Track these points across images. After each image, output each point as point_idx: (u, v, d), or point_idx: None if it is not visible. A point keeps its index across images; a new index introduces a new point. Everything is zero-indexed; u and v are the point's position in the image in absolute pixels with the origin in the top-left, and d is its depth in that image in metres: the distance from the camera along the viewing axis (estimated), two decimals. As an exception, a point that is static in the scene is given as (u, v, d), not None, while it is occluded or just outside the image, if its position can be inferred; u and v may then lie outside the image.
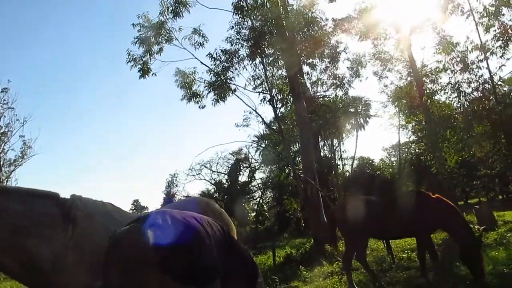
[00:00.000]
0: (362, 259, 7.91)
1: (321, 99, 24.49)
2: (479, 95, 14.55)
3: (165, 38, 15.91)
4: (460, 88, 14.65)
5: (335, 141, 30.71)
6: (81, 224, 3.17)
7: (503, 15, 14.03)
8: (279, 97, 18.01)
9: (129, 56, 15.70)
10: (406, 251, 10.34)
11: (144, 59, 15.78)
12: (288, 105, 18.90)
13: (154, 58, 15.94)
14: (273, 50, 16.73)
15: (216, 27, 47.73)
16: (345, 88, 23.17)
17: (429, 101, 15.97)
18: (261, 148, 31.40)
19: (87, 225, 3.19)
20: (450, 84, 14.99)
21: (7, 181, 22.36)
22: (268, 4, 15.27)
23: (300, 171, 17.37)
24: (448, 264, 8.27)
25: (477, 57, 14.59)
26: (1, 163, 22.59)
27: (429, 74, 17.20)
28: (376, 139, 63.83)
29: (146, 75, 15.84)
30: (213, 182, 35.33)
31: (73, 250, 3.06)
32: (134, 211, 40.31)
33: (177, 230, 2.46)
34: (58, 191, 3.31)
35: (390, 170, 33.27)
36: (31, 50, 56.59)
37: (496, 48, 13.97)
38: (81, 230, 3.15)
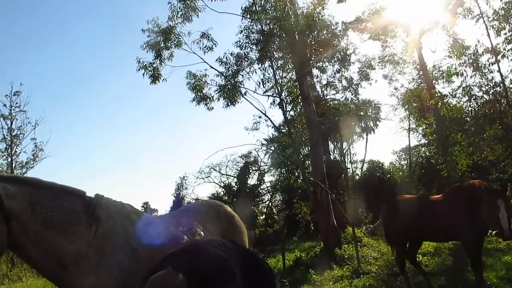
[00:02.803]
0: (413, 261, 7.78)
1: (331, 102, 24.46)
2: (491, 98, 14.43)
3: (175, 43, 16.04)
4: (471, 92, 14.53)
5: (345, 144, 30.62)
6: (104, 224, 3.23)
7: (512, 17, 13.94)
8: (289, 100, 18.05)
9: (139, 64, 15.82)
10: (417, 256, 10.27)
11: (154, 65, 15.91)
12: (297, 108, 18.91)
13: (165, 63, 16.08)
14: (282, 53, 16.78)
15: (226, 32, 47.92)
16: (355, 91, 23.16)
17: (439, 104, 15.87)
18: (271, 151, 31.41)
19: (109, 226, 3.26)
20: (461, 87, 14.87)
21: (19, 184, 22.60)
22: (277, 8, 15.33)
23: (310, 174, 17.35)
24: (460, 268, 8.22)
25: (488, 60, 14.48)
26: (14, 165, 22.88)
27: (440, 77, 17.11)
28: (386, 143, 63.39)
29: (157, 81, 15.97)
30: (222, 185, 35.39)
31: (95, 250, 3.11)
32: (144, 213, 40.44)
33: (212, 277, 2.50)
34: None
35: (400, 173, 33.04)
36: (43, 53, 57.24)
37: (508, 51, 13.85)
38: (104, 230, 3.21)
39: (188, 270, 2.38)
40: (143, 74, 15.85)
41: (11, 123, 23.11)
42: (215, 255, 2.65)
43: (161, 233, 3.48)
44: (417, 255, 9.11)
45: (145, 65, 15.84)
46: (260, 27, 16.15)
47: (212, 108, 17.06)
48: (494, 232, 7.68)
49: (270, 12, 15.61)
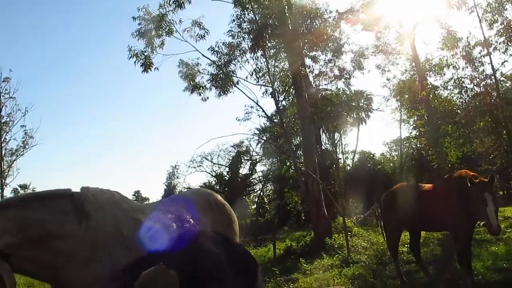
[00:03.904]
0: (415, 252, 7.75)
1: (323, 92, 24.42)
2: (481, 90, 14.52)
3: (166, 30, 15.89)
4: (463, 84, 14.61)
5: (337, 135, 30.70)
6: (94, 217, 3.21)
7: (506, 10, 13.99)
8: (281, 90, 17.99)
9: (130, 52, 15.66)
10: (405, 245, 10.38)
11: (145, 53, 15.75)
12: (289, 98, 18.86)
13: (156, 51, 15.92)
14: (275, 43, 16.69)
15: (219, 20, 47.49)
16: (346, 80, 23.09)
17: (431, 95, 15.94)
18: (263, 141, 31.43)
19: (99, 217, 3.24)
20: (452, 80, 14.95)
21: (8, 170, 22.48)
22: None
23: (301, 164, 17.39)
24: (447, 258, 8.31)
25: (479, 52, 14.55)
26: (3, 152, 22.63)
27: (433, 69, 17.14)
28: (377, 134, 63.78)
29: (149, 69, 15.82)
30: (214, 174, 35.42)
31: (87, 244, 3.10)
32: (133, 201, 40.37)
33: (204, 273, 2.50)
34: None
35: (391, 164, 33.27)
36: (33, 40, 56.43)
37: (499, 44, 13.93)
38: (94, 223, 3.19)
39: (180, 267, 2.37)
40: (135, 62, 15.73)
41: (0, 110, 22.82)
42: (209, 252, 2.64)
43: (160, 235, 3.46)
44: (406, 245, 9.19)
45: (136, 53, 15.68)
46: (252, 16, 16.03)
47: (207, 98, 17.03)
48: (482, 223, 7.64)
49: (262, 1, 15.49)
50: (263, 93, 17.27)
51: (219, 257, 2.63)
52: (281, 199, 30.24)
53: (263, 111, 19.63)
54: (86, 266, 3.07)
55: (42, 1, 59.37)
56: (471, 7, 15.19)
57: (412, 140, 28.61)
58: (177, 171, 36.70)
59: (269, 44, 16.61)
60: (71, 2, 61.84)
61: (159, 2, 15.72)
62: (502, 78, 15.23)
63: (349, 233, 12.47)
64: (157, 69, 15.92)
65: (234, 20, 16.33)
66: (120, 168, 63.13)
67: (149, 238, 3.29)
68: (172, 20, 15.88)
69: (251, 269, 2.97)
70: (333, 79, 22.30)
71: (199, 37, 16.04)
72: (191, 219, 3.80)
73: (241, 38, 16.48)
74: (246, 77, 16.69)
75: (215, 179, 35.46)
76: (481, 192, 5.65)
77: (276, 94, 16.84)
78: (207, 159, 34.71)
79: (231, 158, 35.50)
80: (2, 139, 22.70)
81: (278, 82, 17.73)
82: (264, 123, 28.04)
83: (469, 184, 5.77)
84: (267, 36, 16.01)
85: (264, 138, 30.15)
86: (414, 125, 23.12)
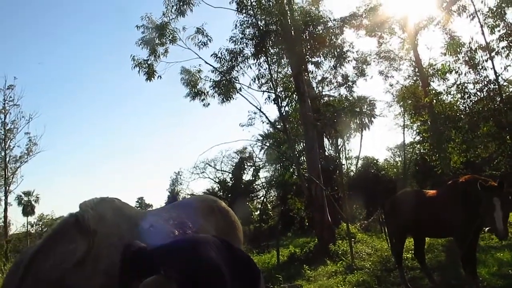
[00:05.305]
0: (419, 256, 7.71)
1: (326, 98, 24.43)
2: (484, 95, 14.49)
3: (169, 38, 16.01)
4: (466, 89, 14.59)
5: (340, 141, 30.69)
6: (98, 230, 3.24)
7: (505, 14, 14.00)
8: (284, 96, 18.01)
9: (134, 61, 15.84)
10: (410, 252, 10.34)
11: (149, 62, 15.87)
12: (292, 104, 18.86)
13: (160, 59, 16.05)
14: (278, 49, 16.74)
15: (221, 27, 47.77)
16: (350, 88, 23.09)
17: (434, 101, 15.92)
18: (266, 147, 31.43)
19: (101, 228, 3.27)
20: (455, 85, 14.93)
21: (13, 177, 22.62)
22: (273, 2, 15.30)
23: (305, 170, 17.38)
24: (452, 265, 8.26)
25: (481, 57, 14.53)
26: (7, 159, 22.76)
27: (436, 74, 17.14)
28: (380, 139, 63.70)
29: (152, 78, 15.95)
30: (217, 180, 35.40)
31: (92, 257, 3.14)
32: (139, 208, 40.43)
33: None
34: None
35: (395, 170, 33.18)
36: (38, 47, 56.84)
37: (502, 49, 13.90)
38: (99, 236, 3.22)
39: (180, 275, 2.37)
40: (138, 71, 15.89)
41: (5, 117, 23.02)
42: (208, 258, 2.64)
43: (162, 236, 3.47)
44: (411, 251, 9.14)
45: (140, 62, 15.83)
46: (255, 22, 16.09)
47: (208, 104, 17.11)
48: (487, 228, 7.58)
49: (265, 7, 15.57)
50: (265, 99, 17.30)
51: (219, 266, 2.63)
52: (285, 205, 30.18)
53: (266, 117, 19.69)
54: (90, 278, 3.09)
55: (46, 9, 59.98)
56: (471, 13, 15.23)
57: (416, 145, 28.51)
58: (180, 178, 36.75)
59: (271, 50, 16.67)
60: (76, 10, 62.49)
61: (162, 11, 15.88)
62: (505, 83, 15.18)
63: (353, 239, 12.42)
64: (160, 77, 16.09)
65: (236, 26, 16.43)
66: (123, 174, 63.35)
67: (152, 245, 3.30)
68: (176, 28, 16.04)
69: (253, 275, 2.97)
70: (336, 85, 22.33)
71: (202, 44, 16.13)
72: (193, 226, 3.79)
73: (244, 44, 16.56)
74: (250, 84, 16.77)
75: (218, 185, 35.45)
76: (490, 196, 5.57)
77: (279, 100, 16.88)
78: (210, 166, 34.74)
79: (234, 164, 35.51)
80: (7, 146, 22.86)
81: (281, 88, 17.76)
82: (267, 129, 28.10)
83: (479, 188, 5.66)
84: (270, 42, 16.08)
85: (267, 144, 30.16)
86: (417, 131, 23.06)
